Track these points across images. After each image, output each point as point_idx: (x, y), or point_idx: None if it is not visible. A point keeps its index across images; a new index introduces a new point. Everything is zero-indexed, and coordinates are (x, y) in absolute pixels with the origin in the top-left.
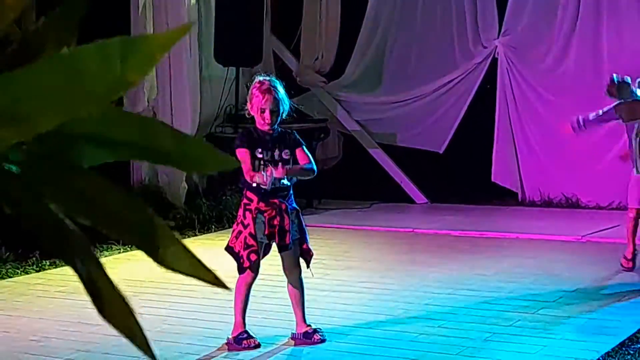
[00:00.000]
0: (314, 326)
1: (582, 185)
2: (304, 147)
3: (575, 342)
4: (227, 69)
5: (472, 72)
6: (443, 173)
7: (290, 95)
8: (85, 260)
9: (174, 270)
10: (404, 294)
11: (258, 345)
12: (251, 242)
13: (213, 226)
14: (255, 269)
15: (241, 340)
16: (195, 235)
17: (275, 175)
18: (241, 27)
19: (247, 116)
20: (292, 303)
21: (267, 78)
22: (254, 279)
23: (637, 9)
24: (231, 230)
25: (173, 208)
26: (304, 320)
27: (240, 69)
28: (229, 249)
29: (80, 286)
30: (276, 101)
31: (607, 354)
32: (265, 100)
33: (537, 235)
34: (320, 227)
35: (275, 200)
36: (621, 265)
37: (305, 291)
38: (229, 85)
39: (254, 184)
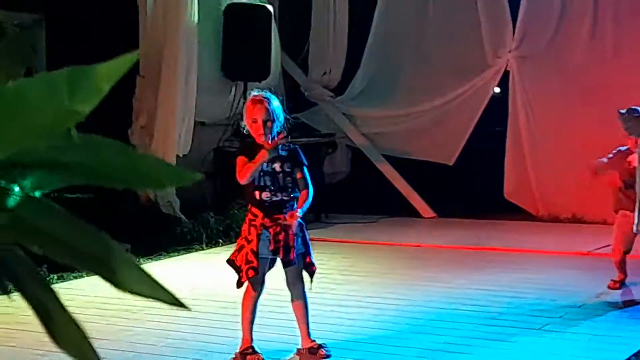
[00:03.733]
0: (319, 341)
1: (589, 200)
2: (305, 169)
3: (580, 358)
4: (236, 84)
5: (483, 85)
6: (451, 187)
7: (298, 109)
8: (35, 287)
9: (132, 293)
10: (409, 309)
11: None
12: (251, 258)
13: (220, 240)
14: (258, 284)
15: (246, 355)
16: (203, 249)
17: (288, 223)
18: (249, 42)
19: (244, 132)
20: (297, 318)
21: (261, 91)
22: (259, 294)
23: None
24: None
25: (182, 222)
26: (309, 335)
27: (249, 83)
28: (230, 262)
29: (86, 300)
30: (268, 112)
31: None
32: (256, 110)
33: (543, 251)
34: (327, 242)
35: (280, 216)
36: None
37: (311, 306)
38: (237, 100)
39: (260, 198)
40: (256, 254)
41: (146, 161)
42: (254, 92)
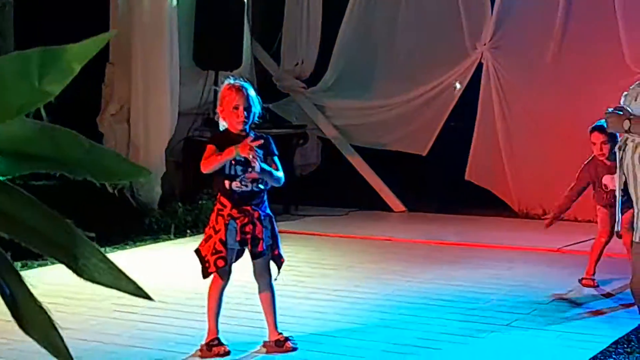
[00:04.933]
0: (286, 334)
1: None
2: (276, 159)
3: (548, 355)
4: (207, 73)
5: (457, 77)
6: (421, 182)
7: (269, 100)
8: (4, 273)
9: (95, 282)
10: (378, 303)
11: (228, 353)
12: (220, 247)
13: (188, 231)
14: (225, 274)
15: (212, 346)
16: (170, 239)
17: (242, 154)
18: (221, 31)
19: (217, 120)
20: (264, 310)
21: (237, 79)
22: (225, 284)
23: (634, 9)
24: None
25: (149, 212)
26: (276, 328)
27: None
28: (197, 252)
29: (50, 288)
30: (248, 99)
31: None
32: (239, 97)
33: (514, 247)
34: (296, 234)
35: (248, 208)
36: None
37: (280, 298)
38: (206, 90)
39: (230, 188)
40: (225, 243)
41: (105, 155)
42: (230, 80)
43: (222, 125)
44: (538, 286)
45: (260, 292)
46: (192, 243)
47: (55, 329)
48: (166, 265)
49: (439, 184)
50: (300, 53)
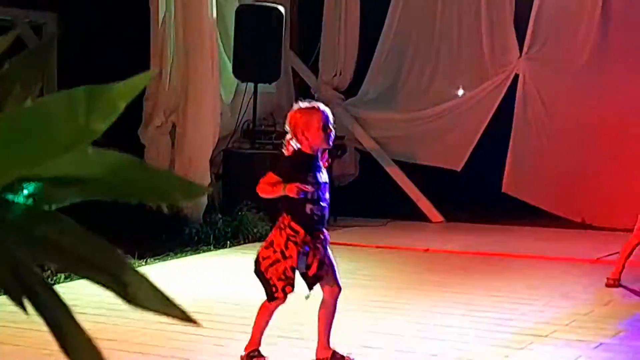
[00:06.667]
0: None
1: (597, 206)
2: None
3: None
4: (246, 85)
5: (492, 91)
6: (459, 192)
7: None
8: (50, 304)
9: (143, 308)
10: (416, 314)
11: None
12: (290, 274)
13: (228, 242)
14: (286, 295)
15: (252, 357)
16: (210, 250)
17: (290, 194)
18: (260, 43)
19: (294, 149)
20: (321, 324)
21: (311, 101)
22: (282, 304)
23: None
24: (260, 251)
25: (190, 223)
26: (328, 344)
27: (259, 85)
28: (259, 274)
29: (94, 301)
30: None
31: None
32: (325, 116)
33: (551, 257)
34: (334, 244)
35: (319, 233)
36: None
37: (315, 310)
38: (247, 101)
39: (310, 213)
40: (295, 270)
41: (159, 176)
42: (304, 104)
43: (296, 146)
44: (577, 297)
45: (323, 307)
46: (231, 254)
47: (101, 355)
48: (206, 276)
49: (476, 194)
50: (338, 64)
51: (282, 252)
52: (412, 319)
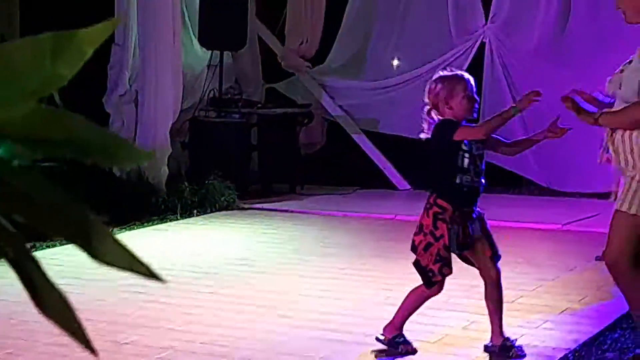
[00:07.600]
0: (291, 313)
1: (564, 172)
2: None
3: (552, 331)
4: (211, 53)
5: (458, 59)
6: (426, 160)
7: (274, 79)
8: (21, 257)
9: (109, 264)
10: (385, 281)
11: (415, 351)
12: (444, 254)
13: (195, 211)
14: (442, 286)
15: (399, 344)
16: (177, 219)
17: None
18: (225, 11)
19: (446, 114)
20: (489, 312)
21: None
22: (436, 294)
23: None
24: (413, 239)
25: (156, 192)
26: (501, 331)
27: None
28: (416, 263)
29: (59, 269)
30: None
31: (584, 343)
32: (470, 85)
33: (518, 224)
34: (302, 213)
35: (469, 209)
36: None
37: (285, 277)
38: (212, 69)
39: (460, 183)
40: (449, 249)
41: (108, 138)
42: (445, 72)
43: (437, 118)
44: (543, 263)
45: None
46: (198, 223)
47: (72, 310)
48: (172, 245)
49: None
50: (304, 32)
51: (432, 233)
52: (382, 286)
